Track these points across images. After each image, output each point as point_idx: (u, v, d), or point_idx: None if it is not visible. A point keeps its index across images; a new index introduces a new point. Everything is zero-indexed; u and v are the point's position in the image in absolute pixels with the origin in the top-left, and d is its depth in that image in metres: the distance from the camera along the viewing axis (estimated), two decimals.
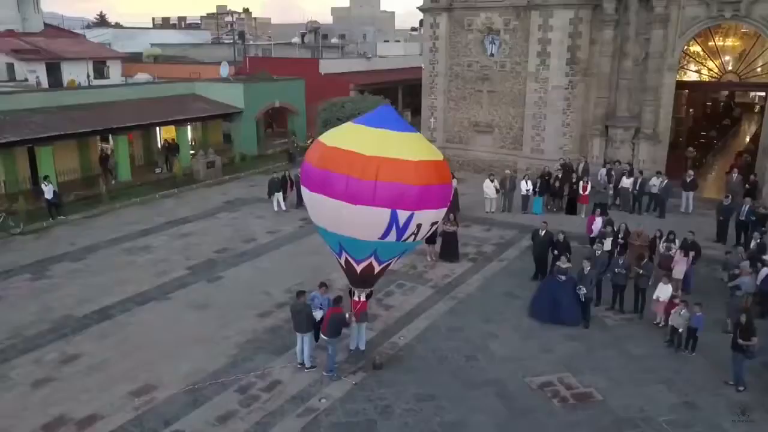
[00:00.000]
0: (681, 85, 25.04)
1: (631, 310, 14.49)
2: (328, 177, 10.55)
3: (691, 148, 27.65)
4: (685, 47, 23.77)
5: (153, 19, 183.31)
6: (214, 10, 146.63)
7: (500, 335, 13.61)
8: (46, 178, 21.92)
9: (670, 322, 12.92)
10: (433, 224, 11.41)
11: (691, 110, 33.23)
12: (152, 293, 15.82)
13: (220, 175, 27.84)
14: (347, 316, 12.05)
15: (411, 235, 10.96)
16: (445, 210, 11.54)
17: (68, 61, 33.49)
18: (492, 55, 26.65)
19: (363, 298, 12.37)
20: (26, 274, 17.08)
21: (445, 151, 28.55)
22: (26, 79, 31.71)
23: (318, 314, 12.35)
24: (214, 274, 17.14)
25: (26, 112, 24.55)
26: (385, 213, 10.40)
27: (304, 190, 11.56)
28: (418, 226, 10.84)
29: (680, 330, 12.72)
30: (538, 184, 22.05)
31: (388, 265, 11.94)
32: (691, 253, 15.18)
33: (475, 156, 28.06)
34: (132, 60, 54.72)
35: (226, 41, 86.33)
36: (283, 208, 23.01)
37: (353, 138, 10.84)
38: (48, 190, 21.34)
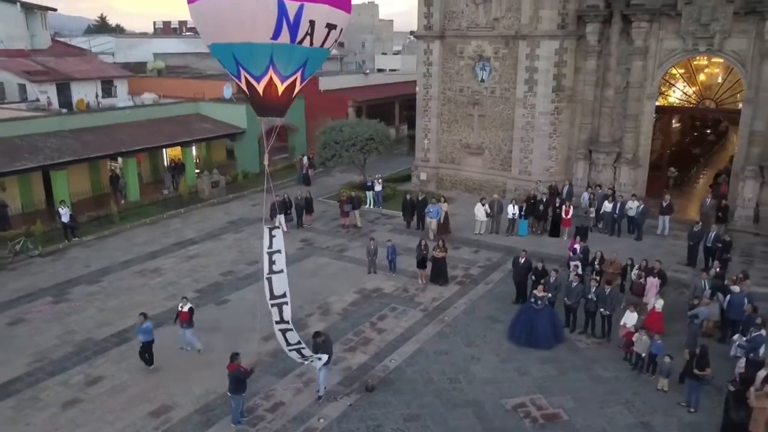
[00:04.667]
0: (661, 109, 26.44)
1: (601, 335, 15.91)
2: None
3: (672, 168, 29.07)
4: (667, 72, 25.12)
5: (154, 23, 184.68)
6: None
7: (481, 358, 15.01)
8: (62, 202, 23.32)
9: (634, 349, 14.33)
10: (329, 26, 10.50)
11: (677, 124, 34.61)
12: (164, 317, 17.17)
13: (224, 194, 29.25)
14: (247, 369, 12.44)
15: (306, 36, 10.25)
16: (344, 14, 10.79)
17: (77, 81, 34.87)
18: (482, 81, 28.04)
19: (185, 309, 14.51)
20: (47, 297, 18.51)
21: (439, 170, 30.15)
22: (38, 99, 33.08)
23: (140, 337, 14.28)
24: (221, 298, 18.56)
25: (41, 135, 25.97)
26: (269, 4, 9.72)
27: (193, 7, 10.70)
28: (311, 23, 10.15)
29: (643, 355, 14.13)
30: (524, 208, 23.44)
31: (293, 83, 10.95)
32: (660, 280, 16.61)
33: (466, 176, 29.45)
34: (136, 69, 56.44)
35: None
36: (285, 229, 24.34)
37: None
38: (64, 214, 22.76)
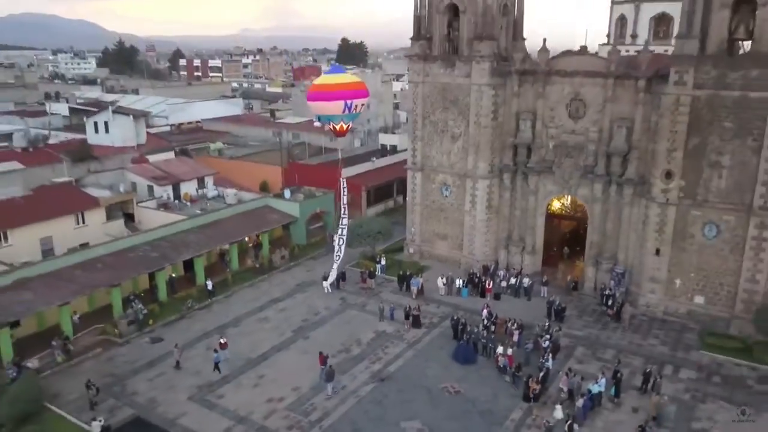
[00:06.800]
0: (551, 215, 44.43)
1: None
2: (318, 94, 36.97)
3: (566, 248, 47.15)
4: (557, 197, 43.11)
5: (178, 63, 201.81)
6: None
7: (433, 366, 32.99)
8: (206, 277, 41.36)
9: (499, 362, 32.38)
10: (361, 104, 37.41)
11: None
12: (280, 346, 35.20)
13: (288, 263, 47.30)
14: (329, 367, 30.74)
15: (354, 109, 36.52)
16: (365, 100, 37.99)
17: (184, 181, 52.88)
18: (446, 197, 46.18)
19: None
20: (217, 334, 36.46)
21: (421, 247, 48.24)
22: (162, 196, 51.02)
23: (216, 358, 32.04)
24: (305, 335, 36.54)
25: (184, 233, 43.99)
26: (341, 103, 36.19)
27: (311, 104, 38.11)
28: (356, 106, 36.57)
29: (502, 366, 32.16)
30: (465, 281, 41.58)
31: (349, 126, 38.09)
32: (519, 330, 34.68)
33: (438, 252, 47.57)
34: (187, 132, 74.94)
35: (252, 82, 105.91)
36: (330, 291, 42.36)
37: (324, 80, 37.56)
38: (209, 284, 40.82)
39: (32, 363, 32.46)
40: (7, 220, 40.63)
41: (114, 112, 59.92)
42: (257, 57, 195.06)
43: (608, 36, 63.60)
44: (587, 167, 40.04)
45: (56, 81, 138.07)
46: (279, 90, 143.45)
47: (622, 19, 61.86)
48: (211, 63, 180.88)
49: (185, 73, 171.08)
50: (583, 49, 40.61)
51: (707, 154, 35.26)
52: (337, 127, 38.07)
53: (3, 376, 30.73)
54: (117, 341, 35.66)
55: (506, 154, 42.88)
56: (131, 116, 60.31)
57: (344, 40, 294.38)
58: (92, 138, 60.19)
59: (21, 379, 29.50)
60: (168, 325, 38.04)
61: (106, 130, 59.66)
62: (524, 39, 45.32)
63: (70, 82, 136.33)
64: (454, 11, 43.39)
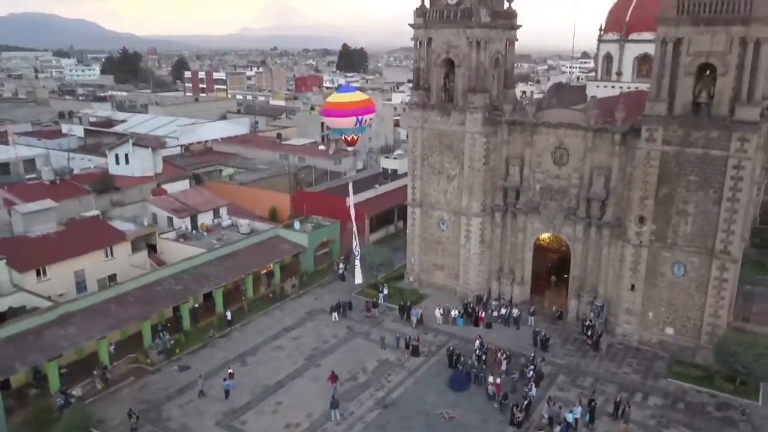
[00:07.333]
0: (538, 246, 48.68)
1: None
2: (332, 111, 43.41)
3: (553, 277, 51.42)
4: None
5: (180, 61, 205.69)
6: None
7: (431, 393, 37.27)
8: (225, 307, 45.63)
9: (489, 390, 36.68)
10: (369, 119, 43.65)
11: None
12: (295, 373, 39.46)
13: (298, 291, 51.58)
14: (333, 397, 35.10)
15: (363, 123, 43.00)
16: (373, 114, 44.00)
17: (201, 212, 57.14)
18: (443, 230, 50.47)
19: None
20: (237, 363, 40.70)
21: (420, 275, 52.56)
22: (180, 227, 55.25)
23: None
24: (316, 363, 40.81)
25: (204, 265, 48.25)
26: (353, 119, 42.54)
27: (325, 118, 46.35)
28: (365, 120, 43.03)
29: (491, 394, 36.45)
30: (461, 311, 45.85)
31: (359, 137, 44.75)
32: (507, 359, 38.96)
33: (435, 281, 51.86)
34: (198, 153, 78.87)
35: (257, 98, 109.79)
36: (337, 320, 46.63)
37: (336, 98, 44.06)
38: (228, 314, 45.09)
39: (76, 391, 36.76)
40: (46, 256, 44.82)
41: (134, 144, 64.17)
42: (260, 69, 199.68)
43: (595, 72, 67.85)
44: (570, 209, 44.32)
45: (67, 97, 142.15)
46: (282, 103, 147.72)
47: (608, 57, 66.13)
48: (216, 75, 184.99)
49: (190, 84, 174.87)
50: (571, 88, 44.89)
51: (675, 203, 39.55)
52: (349, 138, 44.70)
53: (52, 404, 35.05)
54: (149, 369, 39.94)
55: (497, 195, 47.17)
56: (150, 148, 64.55)
57: (345, 46, 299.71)
58: (113, 168, 64.46)
59: (71, 408, 33.74)
60: (193, 353, 42.30)
61: (126, 162, 63.92)
62: (514, 88, 49.62)
63: (80, 98, 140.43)
64: (450, 64, 47.61)
